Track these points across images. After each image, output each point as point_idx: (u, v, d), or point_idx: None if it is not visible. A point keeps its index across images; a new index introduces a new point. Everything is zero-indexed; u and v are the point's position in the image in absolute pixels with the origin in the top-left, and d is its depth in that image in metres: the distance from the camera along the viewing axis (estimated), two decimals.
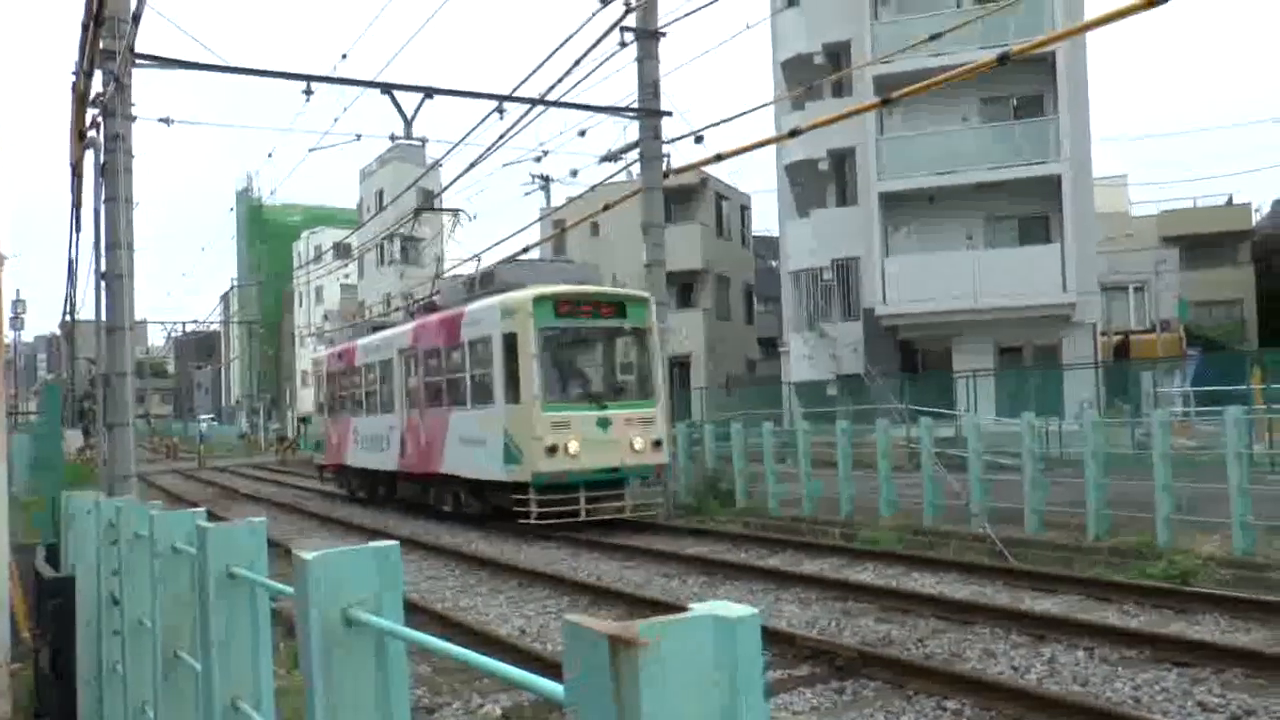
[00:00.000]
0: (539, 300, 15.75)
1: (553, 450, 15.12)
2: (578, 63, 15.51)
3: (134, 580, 4.15)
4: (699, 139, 17.65)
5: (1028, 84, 28.87)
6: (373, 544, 1.91)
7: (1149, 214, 48.03)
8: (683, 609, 1.07)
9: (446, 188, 24.06)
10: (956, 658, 7.67)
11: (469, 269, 23.57)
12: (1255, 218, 47.53)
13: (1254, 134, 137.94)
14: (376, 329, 24.05)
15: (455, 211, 22.66)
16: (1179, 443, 15.18)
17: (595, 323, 16.60)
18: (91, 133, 13.88)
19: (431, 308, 20.80)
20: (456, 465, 17.62)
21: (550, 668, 7.14)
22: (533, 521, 15.09)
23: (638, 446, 15.79)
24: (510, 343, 15.76)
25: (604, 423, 15.62)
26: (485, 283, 18.09)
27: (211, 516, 3.12)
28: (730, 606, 1.06)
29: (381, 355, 21.53)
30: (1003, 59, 11.79)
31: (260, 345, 68.67)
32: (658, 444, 16.16)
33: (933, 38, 15.84)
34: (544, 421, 15.21)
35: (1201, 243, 43.83)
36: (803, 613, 9.53)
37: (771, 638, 8.16)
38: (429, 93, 15.71)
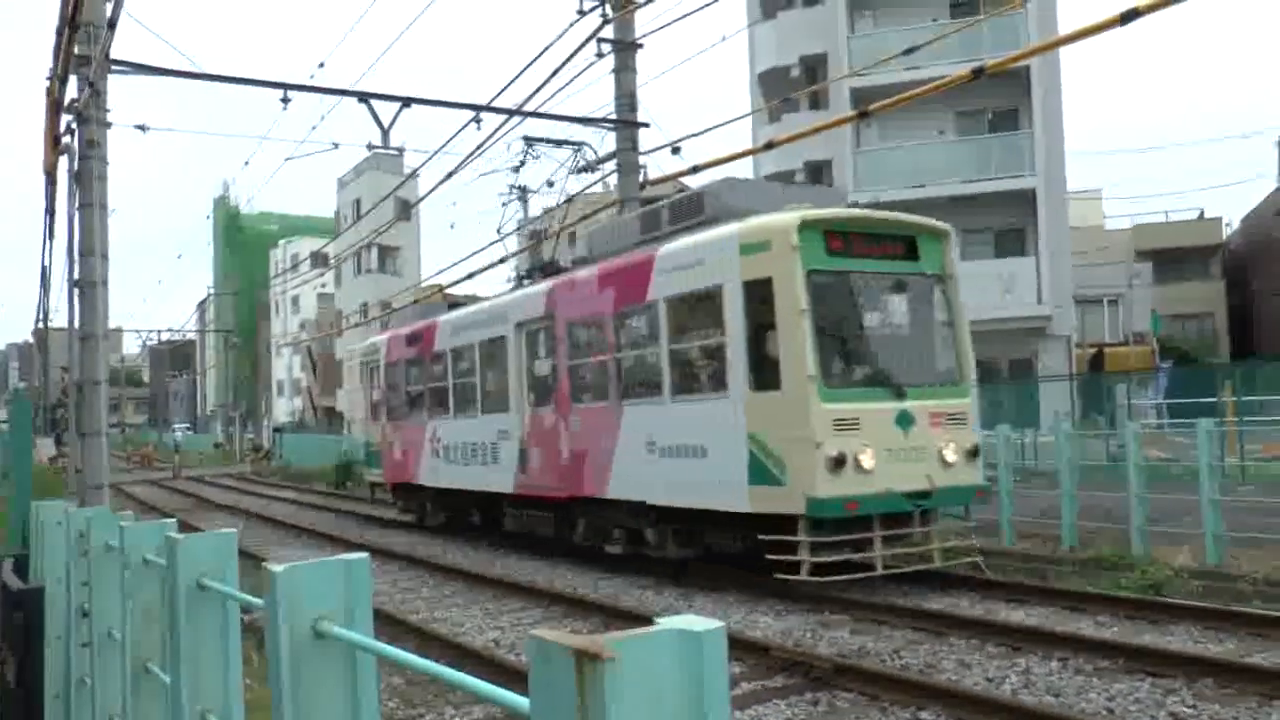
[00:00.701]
0: (806, 227, 10.34)
1: (839, 464, 9.87)
2: (555, 73, 15.50)
3: (104, 592, 4.11)
4: (676, 150, 17.66)
5: (1003, 98, 29.18)
6: (342, 556, 1.90)
7: (1123, 228, 48.56)
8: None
9: (424, 197, 23.96)
10: (931, 669, 7.70)
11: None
12: (1226, 232, 48.13)
13: (1226, 149, 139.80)
14: (453, 306, 18.64)
15: (577, 145, 17.90)
16: (1152, 454, 15.33)
17: (880, 265, 11.14)
18: (66, 139, 13.76)
19: (555, 269, 15.44)
20: (636, 487, 12.10)
21: (523, 680, 7.11)
22: (804, 578, 9.90)
23: (950, 458, 10.62)
24: (760, 295, 10.41)
25: (905, 419, 10.45)
26: (687, 211, 12.25)
27: (185, 527, 3.10)
28: (697, 620, 1.07)
29: (484, 333, 15.95)
30: (977, 73, 11.88)
31: (236, 354, 68.28)
32: (974, 453, 10.96)
33: (908, 52, 15.95)
34: (824, 418, 9.94)
35: (1174, 256, 44.33)
36: (778, 624, 9.53)
37: (746, 649, 8.18)
38: (406, 102, 15.68)
